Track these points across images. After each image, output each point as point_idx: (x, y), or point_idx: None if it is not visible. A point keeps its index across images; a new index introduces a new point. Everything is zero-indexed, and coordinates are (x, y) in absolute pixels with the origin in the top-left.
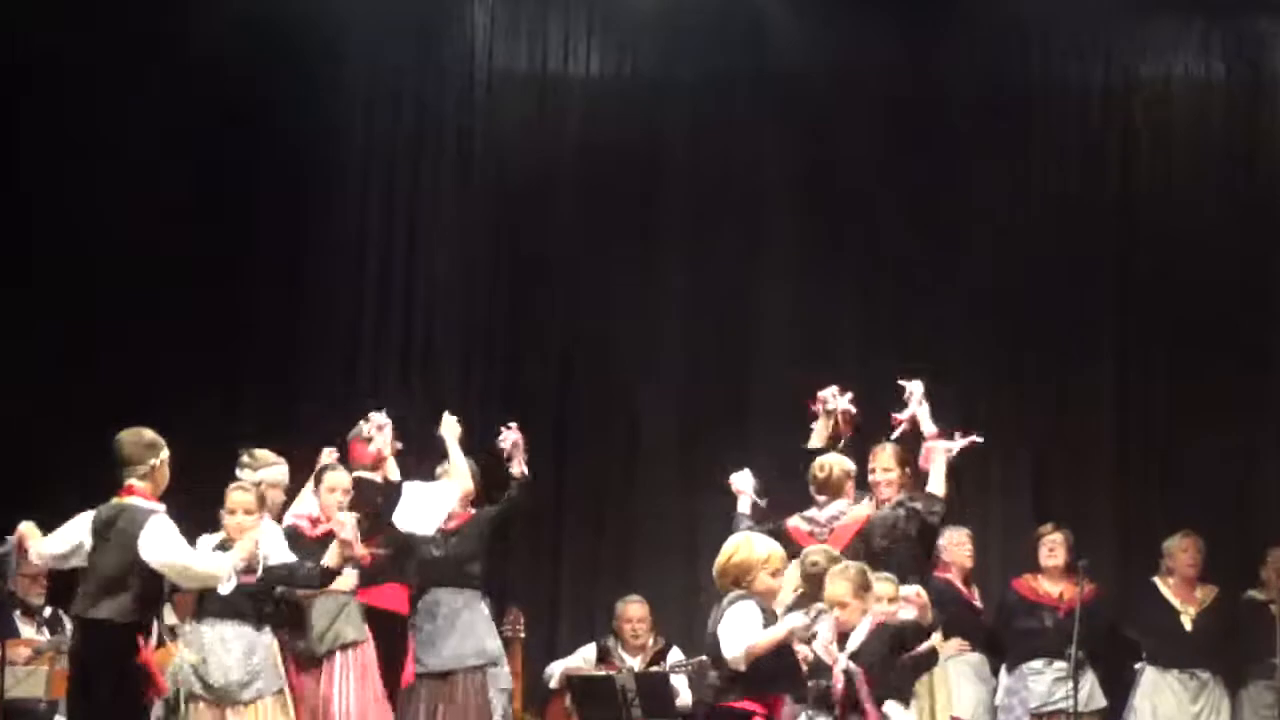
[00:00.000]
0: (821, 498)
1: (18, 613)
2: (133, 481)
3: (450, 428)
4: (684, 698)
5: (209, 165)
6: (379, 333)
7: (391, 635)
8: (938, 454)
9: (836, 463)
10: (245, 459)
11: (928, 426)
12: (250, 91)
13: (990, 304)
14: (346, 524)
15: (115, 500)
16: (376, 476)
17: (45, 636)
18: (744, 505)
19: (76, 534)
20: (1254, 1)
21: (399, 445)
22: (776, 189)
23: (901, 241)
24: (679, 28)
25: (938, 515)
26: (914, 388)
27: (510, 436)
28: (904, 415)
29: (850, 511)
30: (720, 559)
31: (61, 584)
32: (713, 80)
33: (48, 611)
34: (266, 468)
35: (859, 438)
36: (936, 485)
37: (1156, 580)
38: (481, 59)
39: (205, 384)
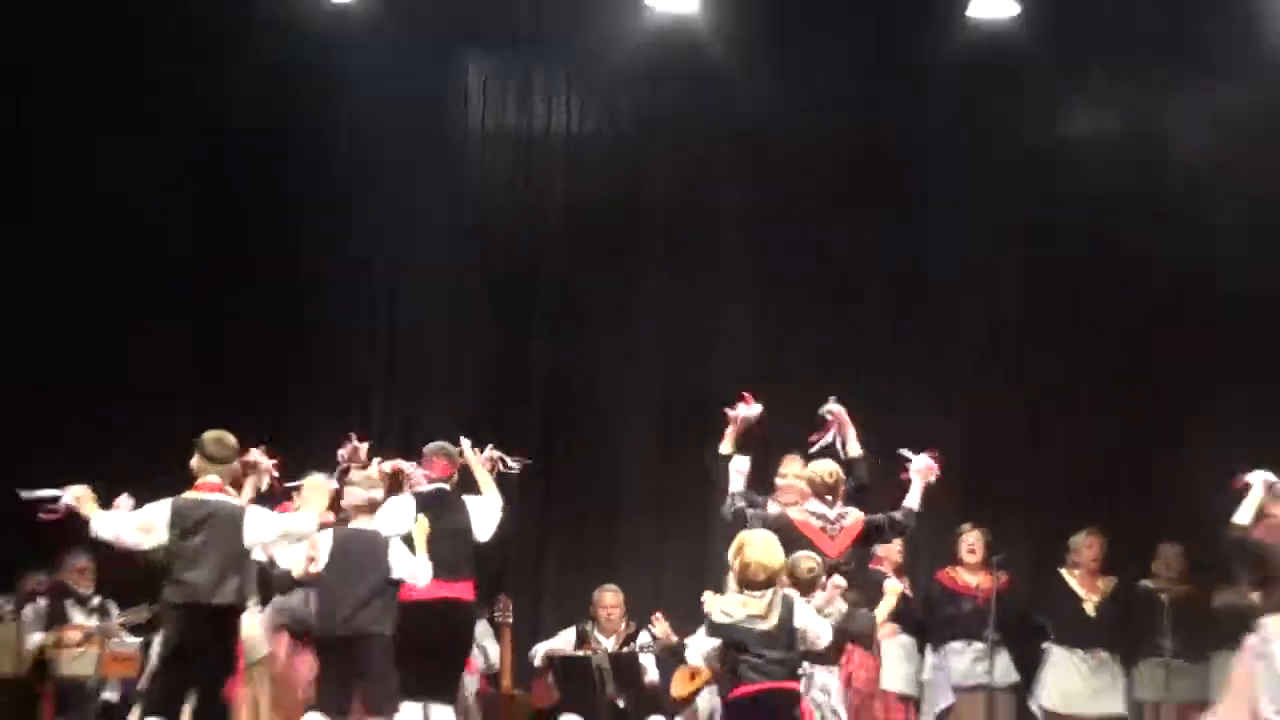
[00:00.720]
0: (828, 498)
1: (69, 601)
2: (213, 478)
3: (469, 450)
4: (651, 674)
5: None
6: (374, 366)
7: (460, 625)
8: (920, 480)
9: (837, 469)
10: (356, 478)
11: (853, 448)
12: (249, 128)
13: (912, 316)
14: (320, 544)
15: (197, 495)
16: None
17: (94, 622)
18: (737, 484)
19: (154, 523)
20: (1148, 57)
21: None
22: (741, 230)
23: (851, 278)
24: (653, 86)
25: (910, 528)
26: (836, 410)
27: (488, 455)
28: (826, 436)
29: (850, 514)
30: (772, 559)
31: (109, 576)
32: (683, 134)
33: (96, 600)
34: (377, 488)
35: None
36: (914, 501)
37: (1063, 571)
38: (475, 115)
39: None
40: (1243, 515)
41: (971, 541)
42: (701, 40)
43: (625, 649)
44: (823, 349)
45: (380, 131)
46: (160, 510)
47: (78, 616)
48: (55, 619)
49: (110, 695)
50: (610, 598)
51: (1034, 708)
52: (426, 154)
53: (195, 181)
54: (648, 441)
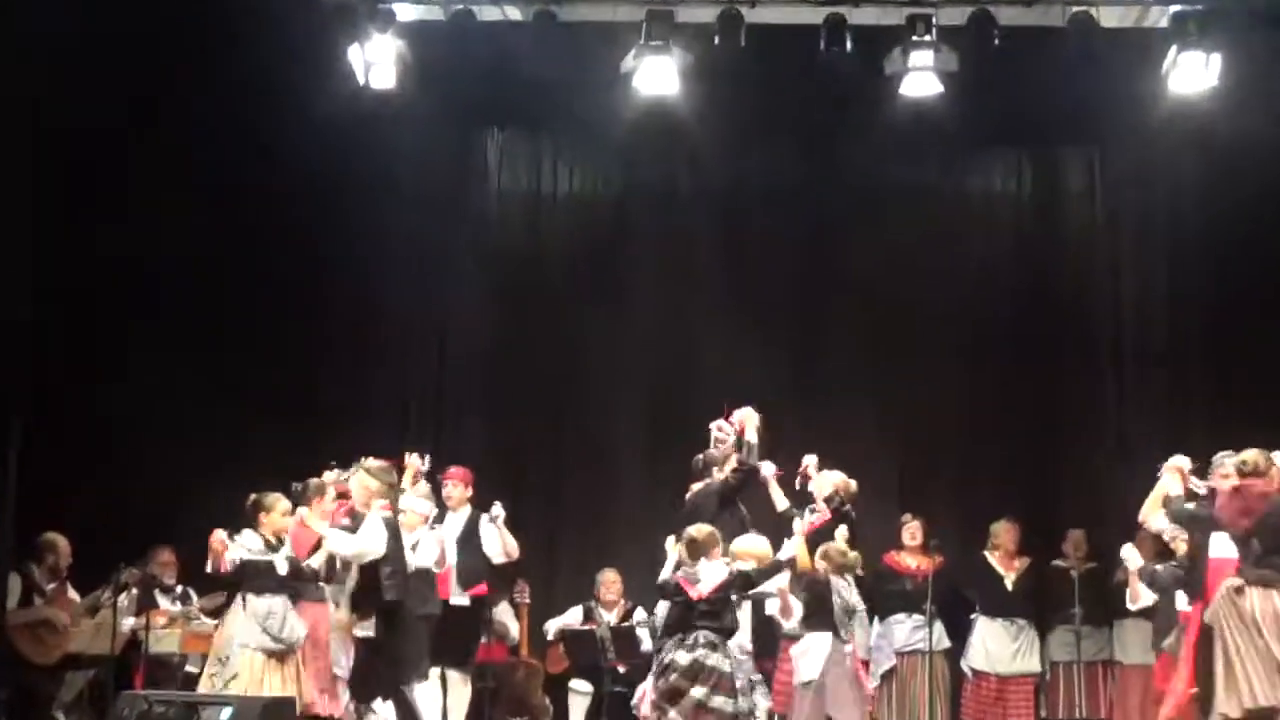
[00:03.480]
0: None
1: (156, 590)
2: (388, 501)
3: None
4: (646, 645)
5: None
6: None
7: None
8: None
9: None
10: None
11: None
12: (313, 189)
13: (861, 328)
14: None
15: (389, 513)
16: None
17: (178, 607)
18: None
19: (381, 539)
20: (1054, 135)
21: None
22: (707, 268)
23: (793, 305)
24: (633, 154)
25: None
26: (745, 416)
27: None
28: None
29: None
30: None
31: (190, 570)
32: (660, 191)
33: (179, 589)
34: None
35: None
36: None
37: (986, 554)
38: (493, 180)
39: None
40: (1147, 507)
41: (912, 529)
42: (678, 118)
43: (624, 623)
44: (781, 365)
45: (415, 195)
46: (381, 528)
47: (163, 603)
48: (145, 605)
49: (191, 668)
50: (610, 576)
51: (965, 668)
52: (453, 212)
53: (284, 229)
54: (639, 451)
